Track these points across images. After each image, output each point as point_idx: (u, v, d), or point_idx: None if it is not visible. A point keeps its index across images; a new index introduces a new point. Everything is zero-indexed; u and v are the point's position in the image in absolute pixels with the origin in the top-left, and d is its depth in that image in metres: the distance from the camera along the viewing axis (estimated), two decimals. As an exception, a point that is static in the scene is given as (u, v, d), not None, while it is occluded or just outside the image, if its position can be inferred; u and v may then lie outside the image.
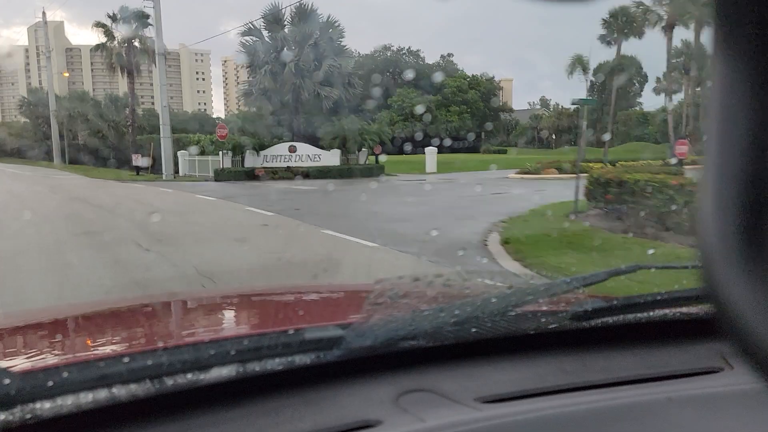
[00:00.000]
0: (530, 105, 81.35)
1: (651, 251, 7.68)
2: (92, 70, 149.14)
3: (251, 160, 26.12)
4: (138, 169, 29.55)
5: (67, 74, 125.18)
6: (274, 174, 25.04)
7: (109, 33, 34.17)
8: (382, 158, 27.17)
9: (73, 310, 1.70)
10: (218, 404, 0.81)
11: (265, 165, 26.04)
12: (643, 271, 1.20)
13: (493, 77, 56.92)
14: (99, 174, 29.75)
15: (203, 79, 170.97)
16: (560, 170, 21.69)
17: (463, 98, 51.68)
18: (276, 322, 1.46)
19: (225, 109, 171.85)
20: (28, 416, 0.70)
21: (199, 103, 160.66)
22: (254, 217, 11.42)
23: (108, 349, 1.12)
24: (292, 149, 26.49)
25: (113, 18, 34.31)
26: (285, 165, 25.96)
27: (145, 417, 0.77)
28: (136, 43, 34.59)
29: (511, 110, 63.91)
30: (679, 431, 0.82)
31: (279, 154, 26.46)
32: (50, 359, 1.03)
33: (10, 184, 23.11)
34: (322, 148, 27.14)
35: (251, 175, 25.13)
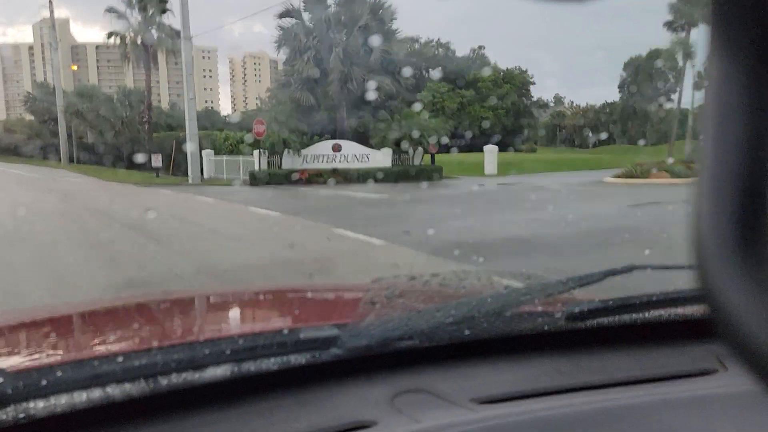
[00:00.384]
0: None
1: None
2: (98, 67, 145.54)
3: (289, 161, 22.50)
4: (157, 170, 25.93)
5: (75, 67, 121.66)
6: (319, 177, 21.38)
7: (123, 19, 30.50)
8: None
9: (67, 309, 1.64)
10: (213, 404, 0.80)
11: (305, 166, 22.41)
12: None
13: (526, 71, 53.17)
14: (114, 176, 26.11)
15: (210, 77, 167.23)
16: (672, 173, 17.95)
17: (498, 93, 47.98)
18: (271, 322, 1.45)
19: (232, 107, 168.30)
20: (22, 416, 0.68)
21: (206, 101, 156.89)
22: (366, 250, 7.72)
23: (102, 348, 1.11)
24: (337, 148, 22.83)
25: (128, 4, 30.65)
26: (329, 166, 22.31)
27: (139, 417, 0.76)
28: (153, 31, 30.91)
29: (546, 106, 60.14)
30: None
31: (321, 154, 22.81)
32: (44, 358, 1.01)
33: (13, 189, 19.43)
34: (369, 146, 23.50)
35: (292, 178, 21.48)
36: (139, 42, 30.85)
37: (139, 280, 5.79)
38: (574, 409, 0.83)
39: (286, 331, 0.87)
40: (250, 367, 0.82)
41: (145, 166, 32.08)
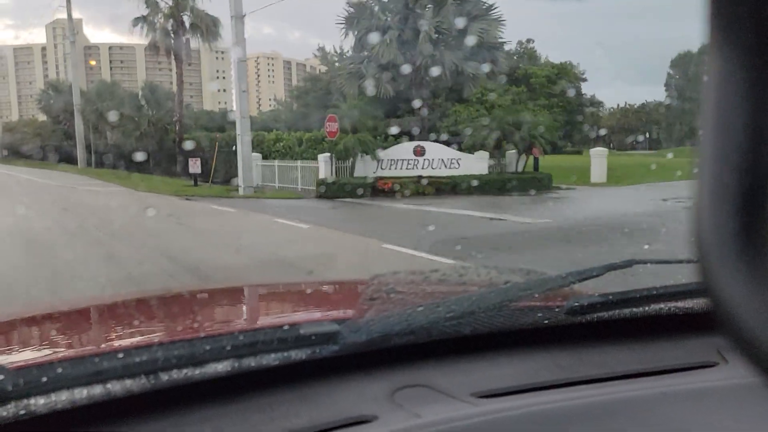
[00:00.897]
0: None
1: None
2: (111, 68, 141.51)
3: (361, 167, 18.13)
4: (195, 177, 21.61)
5: (93, 62, 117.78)
6: (404, 188, 16.98)
7: (152, 3, 26.18)
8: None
9: (68, 306, 1.63)
10: (213, 400, 0.79)
11: (381, 173, 18.03)
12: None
13: (578, 65, 48.56)
14: (142, 184, 21.79)
15: (223, 78, 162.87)
16: None
17: (552, 90, 43.44)
18: (272, 318, 1.43)
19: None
20: (22, 412, 0.68)
21: (219, 102, 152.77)
22: None
23: (103, 345, 1.10)
24: (420, 151, 18.42)
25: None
26: (410, 174, 17.89)
27: (140, 412, 0.75)
28: (186, 16, 26.63)
29: (600, 103, 55.52)
30: (674, 426, 0.80)
31: (400, 159, 18.41)
32: (45, 355, 1.00)
33: (21, 202, 15.10)
34: (458, 148, 19.11)
35: (372, 189, 17.08)
36: (170, 28, 26.56)
37: None
38: (575, 403, 0.82)
39: (286, 327, 0.86)
40: (251, 362, 0.81)
41: (174, 172, 27.85)
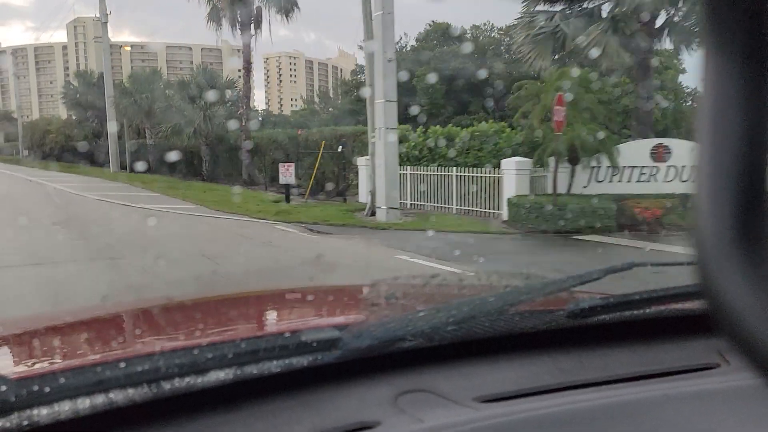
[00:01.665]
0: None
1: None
2: (132, 68, 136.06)
3: (564, 177, 11.43)
4: (288, 190, 14.99)
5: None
6: (677, 216, 10.22)
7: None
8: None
9: (69, 316, 1.58)
10: (216, 408, 0.78)
11: (598, 188, 11.37)
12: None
13: (678, 54, 41.43)
14: (213, 199, 15.18)
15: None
16: None
17: (661, 79, 36.36)
18: (273, 325, 1.42)
19: (267, 109, 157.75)
20: (25, 423, 0.67)
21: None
22: None
23: (105, 354, 1.09)
24: (661, 153, 11.65)
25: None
26: (651, 190, 11.18)
27: (142, 421, 0.74)
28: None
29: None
30: (676, 428, 0.79)
31: (628, 165, 11.67)
32: (47, 365, 1.00)
33: (54, 240, 8.42)
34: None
35: (617, 214, 10.34)
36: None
37: None
38: (577, 406, 0.81)
39: (287, 334, 0.85)
40: (253, 370, 0.80)
41: (239, 179, 21.31)
